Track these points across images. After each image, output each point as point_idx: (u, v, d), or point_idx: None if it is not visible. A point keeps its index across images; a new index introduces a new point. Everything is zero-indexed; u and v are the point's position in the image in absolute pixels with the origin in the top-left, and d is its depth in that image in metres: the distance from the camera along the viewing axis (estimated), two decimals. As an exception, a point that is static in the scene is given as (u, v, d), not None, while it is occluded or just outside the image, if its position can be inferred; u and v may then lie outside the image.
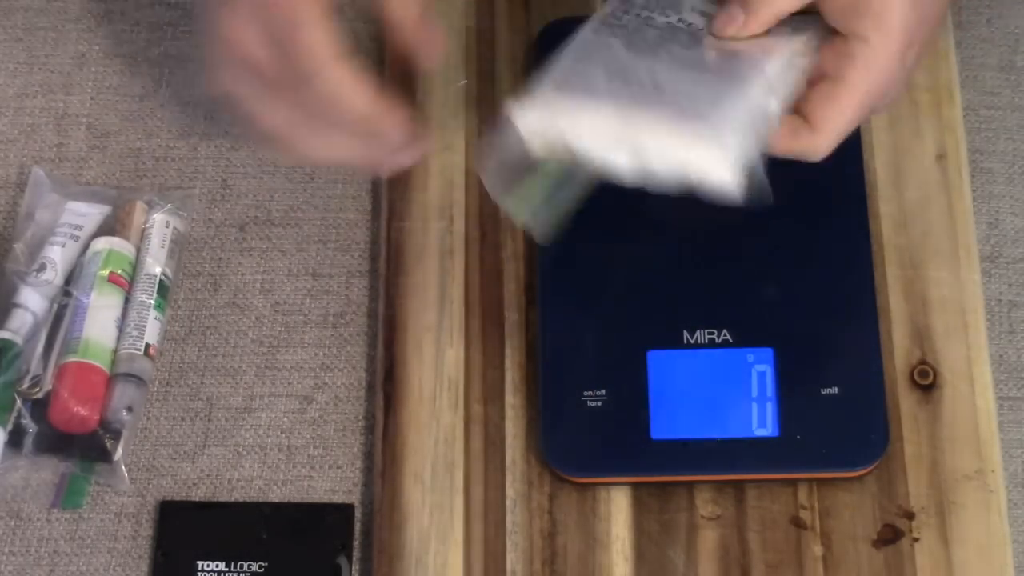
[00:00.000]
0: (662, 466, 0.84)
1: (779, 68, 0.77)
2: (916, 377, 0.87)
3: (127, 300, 0.90)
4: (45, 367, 0.88)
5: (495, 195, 0.77)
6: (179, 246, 0.92)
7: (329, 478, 0.88)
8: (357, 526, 0.87)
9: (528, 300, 0.89)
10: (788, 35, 0.78)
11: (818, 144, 0.78)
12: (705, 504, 0.85)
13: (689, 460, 0.84)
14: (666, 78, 0.75)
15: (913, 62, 0.79)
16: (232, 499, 0.88)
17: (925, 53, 0.80)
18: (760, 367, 0.85)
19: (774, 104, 0.76)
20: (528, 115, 0.74)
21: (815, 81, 0.78)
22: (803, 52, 0.78)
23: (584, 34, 0.78)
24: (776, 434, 0.84)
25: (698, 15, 0.79)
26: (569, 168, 0.75)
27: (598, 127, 0.74)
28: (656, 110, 0.74)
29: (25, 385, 0.88)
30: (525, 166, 0.75)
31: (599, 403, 0.85)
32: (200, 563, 0.84)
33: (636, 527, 0.85)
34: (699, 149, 0.73)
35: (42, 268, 0.90)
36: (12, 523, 0.88)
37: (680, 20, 0.79)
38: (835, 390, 0.85)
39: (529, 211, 0.77)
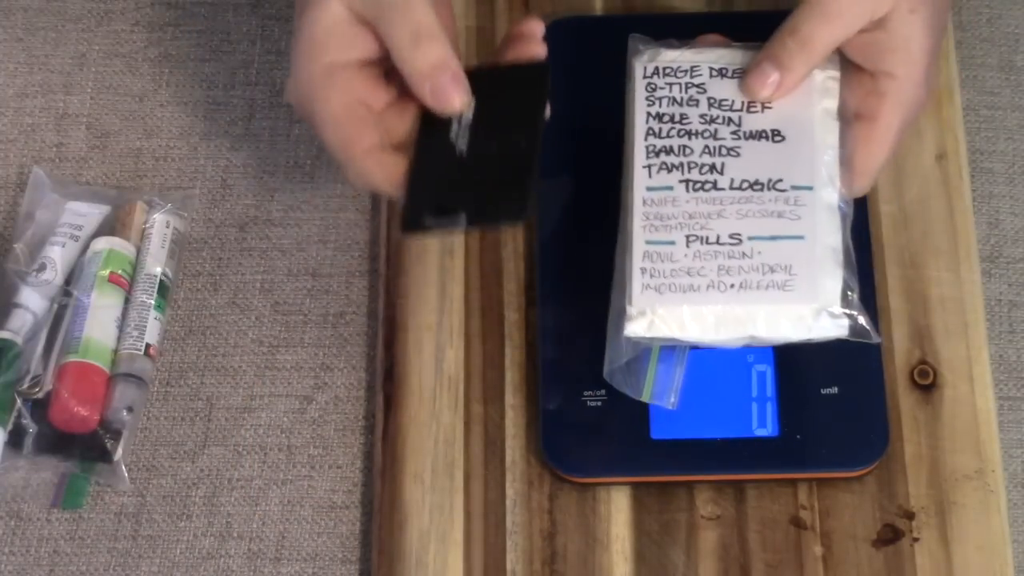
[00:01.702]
0: (662, 466, 0.84)
1: (830, 148, 0.79)
2: (916, 377, 0.87)
3: (127, 300, 0.90)
4: (45, 367, 0.88)
5: (633, 394, 0.81)
6: (179, 246, 0.92)
7: (329, 478, 0.88)
8: (357, 525, 0.87)
9: (528, 300, 0.89)
10: (811, 80, 0.80)
11: (861, 186, 0.80)
12: (705, 504, 0.85)
13: (689, 460, 0.84)
14: (739, 224, 0.78)
15: (933, 79, 0.80)
16: (233, 498, 0.88)
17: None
18: (760, 367, 0.85)
19: (835, 173, 0.79)
20: (637, 327, 0.77)
21: (848, 119, 0.79)
22: (828, 92, 0.79)
23: (639, 179, 0.80)
24: (776, 434, 0.84)
25: (723, 81, 0.81)
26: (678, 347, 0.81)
27: (701, 323, 0.77)
28: (754, 288, 0.77)
29: (25, 385, 0.88)
30: (642, 359, 0.81)
31: (599, 403, 0.85)
32: None
33: (636, 527, 0.85)
34: (801, 316, 0.77)
35: (42, 268, 0.90)
36: (12, 523, 0.88)
37: (711, 101, 0.80)
38: (835, 390, 0.85)
39: (659, 392, 0.82)
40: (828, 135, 0.79)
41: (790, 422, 0.84)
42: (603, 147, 0.87)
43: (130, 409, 0.88)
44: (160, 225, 0.92)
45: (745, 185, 0.78)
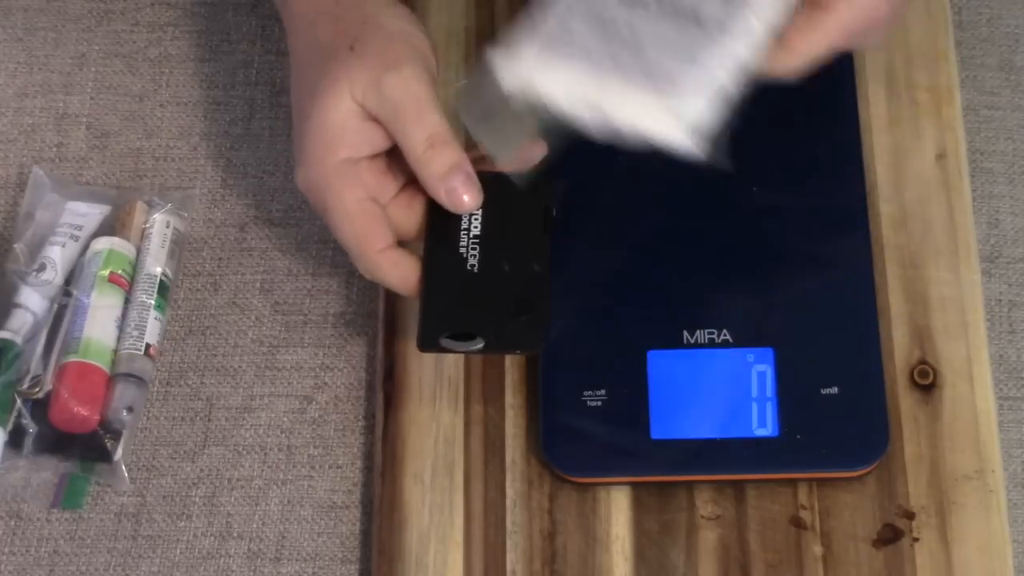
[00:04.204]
0: (662, 466, 0.84)
1: (763, 20, 0.77)
2: (916, 377, 0.87)
3: (127, 300, 0.90)
4: (45, 367, 0.88)
5: (471, 130, 0.78)
6: (179, 246, 0.92)
7: (329, 478, 0.88)
8: (357, 525, 0.87)
9: (528, 300, 0.89)
10: None
11: (789, 63, 0.78)
12: (705, 504, 0.85)
13: (689, 460, 0.84)
14: (645, 29, 0.76)
15: (902, 3, 0.78)
16: (233, 498, 0.88)
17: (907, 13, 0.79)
18: (760, 367, 0.85)
19: (759, 33, 0.76)
20: (507, 66, 0.76)
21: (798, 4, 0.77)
22: None
23: None
24: (776, 434, 0.84)
25: None
26: (540, 111, 0.77)
27: (570, 88, 0.75)
28: (627, 73, 0.75)
29: (25, 385, 0.88)
30: (500, 104, 0.77)
31: (599, 403, 0.85)
32: None
33: (636, 527, 0.85)
34: (660, 117, 0.74)
35: (42, 268, 0.90)
36: (12, 523, 0.88)
37: None
38: (835, 390, 0.85)
39: (501, 145, 0.79)
40: (768, 9, 0.77)
41: (790, 422, 0.84)
42: (602, 149, 0.87)
43: (130, 409, 0.88)
44: (160, 225, 0.92)
45: (669, 6, 0.76)
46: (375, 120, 0.79)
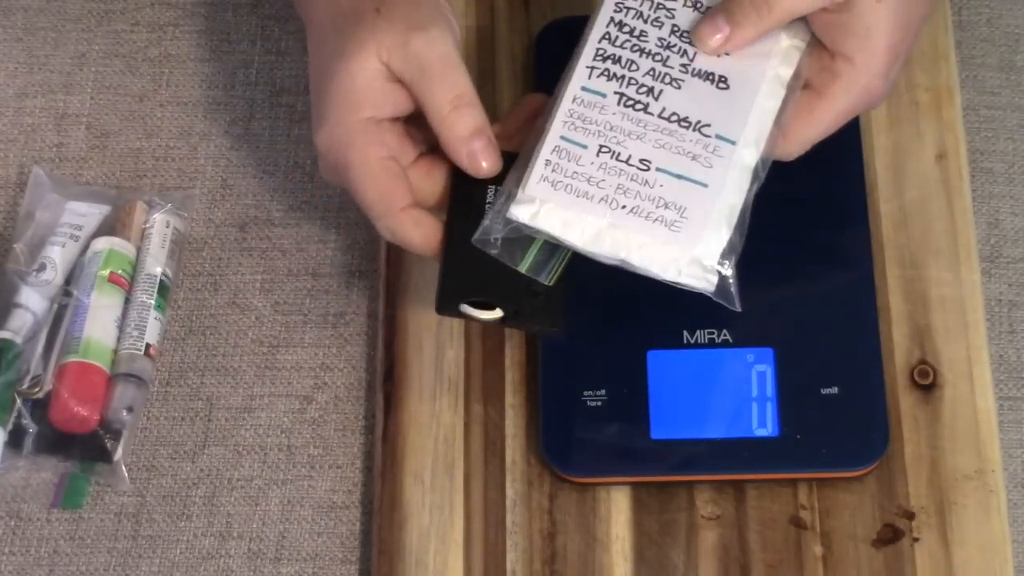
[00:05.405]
0: (662, 466, 0.84)
1: (767, 113, 0.79)
2: (916, 377, 0.87)
3: (127, 300, 0.90)
4: (45, 367, 0.88)
5: (508, 262, 0.78)
6: (179, 246, 0.92)
7: (329, 478, 0.88)
8: (357, 525, 0.87)
9: (528, 300, 0.89)
10: (774, 37, 0.79)
11: (788, 151, 0.80)
12: (705, 504, 0.85)
13: (689, 460, 0.84)
14: (653, 152, 0.77)
15: (897, 72, 0.79)
16: (233, 498, 0.88)
17: (909, 59, 0.80)
18: (760, 367, 0.85)
19: (765, 142, 0.78)
20: (521, 212, 0.77)
21: (796, 86, 0.79)
22: (788, 59, 0.79)
23: (578, 77, 0.79)
24: (776, 434, 0.84)
25: (692, 13, 0.80)
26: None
27: (583, 229, 0.77)
28: (638, 209, 0.76)
29: (25, 385, 0.88)
30: (524, 238, 0.78)
31: (599, 403, 0.85)
32: None
33: (636, 527, 0.85)
34: (673, 256, 0.76)
35: (42, 268, 0.90)
36: (12, 523, 0.88)
37: (675, 28, 0.80)
38: (835, 390, 0.85)
39: (536, 270, 0.79)
40: (770, 100, 0.79)
41: (790, 422, 0.84)
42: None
43: (130, 409, 0.88)
44: (160, 225, 0.92)
45: (674, 118, 0.78)
46: (399, 82, 0.79)
